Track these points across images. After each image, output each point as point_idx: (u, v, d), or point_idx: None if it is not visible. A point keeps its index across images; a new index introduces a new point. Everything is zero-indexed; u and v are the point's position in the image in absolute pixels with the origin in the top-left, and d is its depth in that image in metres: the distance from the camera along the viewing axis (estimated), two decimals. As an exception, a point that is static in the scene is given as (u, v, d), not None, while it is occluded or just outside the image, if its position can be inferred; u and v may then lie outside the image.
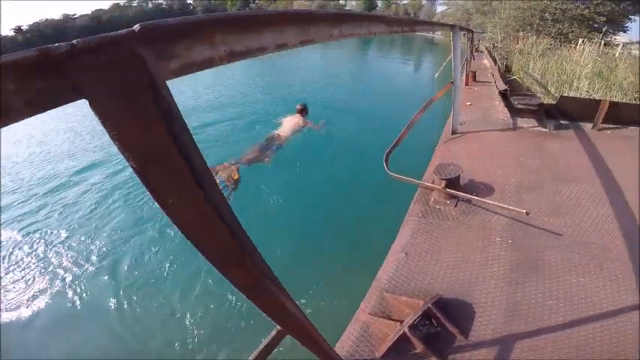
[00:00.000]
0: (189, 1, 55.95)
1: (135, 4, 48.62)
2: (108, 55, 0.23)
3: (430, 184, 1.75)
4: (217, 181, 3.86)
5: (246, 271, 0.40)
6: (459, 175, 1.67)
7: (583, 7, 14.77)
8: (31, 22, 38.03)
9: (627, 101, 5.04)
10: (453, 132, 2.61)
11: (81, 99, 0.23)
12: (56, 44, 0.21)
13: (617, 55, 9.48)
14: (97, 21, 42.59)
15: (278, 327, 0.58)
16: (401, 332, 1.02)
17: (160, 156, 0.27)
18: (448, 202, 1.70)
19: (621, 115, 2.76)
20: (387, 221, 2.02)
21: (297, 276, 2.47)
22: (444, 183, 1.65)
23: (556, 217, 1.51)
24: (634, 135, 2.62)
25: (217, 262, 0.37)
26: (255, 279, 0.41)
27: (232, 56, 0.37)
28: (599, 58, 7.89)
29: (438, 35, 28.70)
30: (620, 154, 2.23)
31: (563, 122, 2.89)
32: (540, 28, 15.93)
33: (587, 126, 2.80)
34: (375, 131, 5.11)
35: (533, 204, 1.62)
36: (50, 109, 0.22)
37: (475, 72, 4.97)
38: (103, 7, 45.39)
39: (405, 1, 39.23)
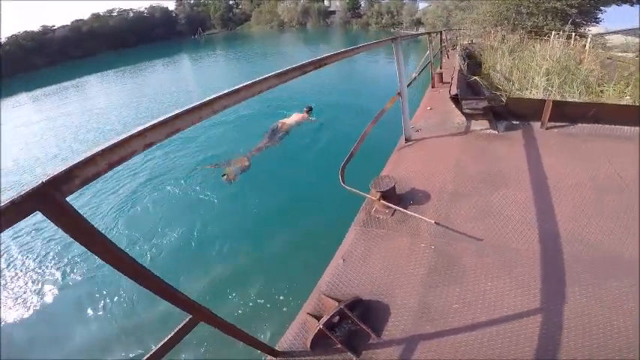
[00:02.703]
0: (171, 9, 55.47)
1: (115, 13, 47.91)
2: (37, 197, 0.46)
3: (370, 196, 1.83)
4: (233, 168, 4.74)
5: (154, 283, 0.64)
6: (393, 187, 1.76)
7: (555, -1, 15.12)
8: (9, 35, 37.21)
9: (591, 96, 5.23)
10: (407, 140, 2.70)
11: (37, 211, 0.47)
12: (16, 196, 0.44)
13: (586, 47, 9.74)
14: (77, 32, 41.86)
15: (190, 316, 0.74)
16: (317, 329, 1.13)
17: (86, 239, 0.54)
18: (386, 211, 1.79)
19: (566, 113, 2.89)
20: (343, 228, 2.12)
21: (258, 277, 2.66)
22: (379, 195, 1.74)
23: (481, 223, 1.61)
24: (579, 132, 2.75)
25: (138, 282, 0.62)
26: (165, 291, 0.67)
27: (111, 166, 0.56)
28: (571, 51, 8.12)
29: (421, 31, 29.14)
30: (563, 152, 2.34)
31: (514, 122, 3.01)
32: (516, 22, 16.29)
33: (536, 125, 2.93)
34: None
35: (463, 210, 1.72)
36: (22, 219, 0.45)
37: (442, 73, 5.09)
38: (82, 18, 44.42)
39: (386, 0, 39.49)
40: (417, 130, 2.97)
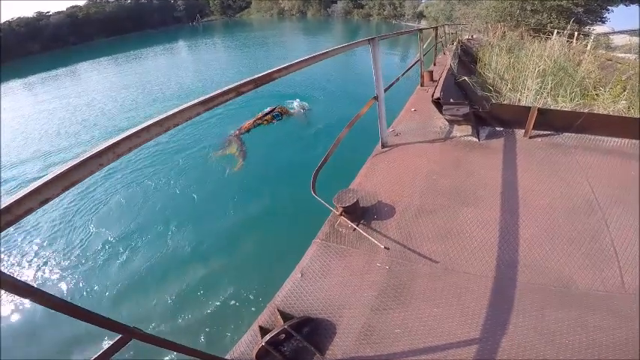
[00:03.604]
0: (169, -4, 54.06)
1: (112, 0, 46.76)
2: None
3: (333, 210, 1.78)
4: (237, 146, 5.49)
5: (74, 311, 0.65)
6: (356, 202, 1.72)
7: (561, -3, 14.79)
8: (2, 21, 36.35)
9: (586, 99, 5.13)
10: (383, 145, 2.63)
11: None
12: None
13: (588, 47, 9.53)
14: (73, 18, 40.99)
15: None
16: (260, 345, 1.13)
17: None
18: (350, 225, 1.74)
19: (552, 121, 2.83)
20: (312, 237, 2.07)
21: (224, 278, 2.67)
22: (341, 209, 1.69)
23: (440, 243, 1.56)
24: (562, 143, 2.68)
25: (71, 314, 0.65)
26: (87, 316, 0.68)
27: (8, 224, 0.55)
28: (570, 51, 7.93)
29: (424, 25, 28.70)
30: (541, 166, 2.28)
31: (498, 129, 2.94)
32: (520, 19, 15.98)
33: (520, 133, 2.86)
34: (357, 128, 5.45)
35: (425, 228, 1.67)
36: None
37: (432, 71, 4.99)
38: (78, 4, 43.38)
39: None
40: (397, 135, 2.90)
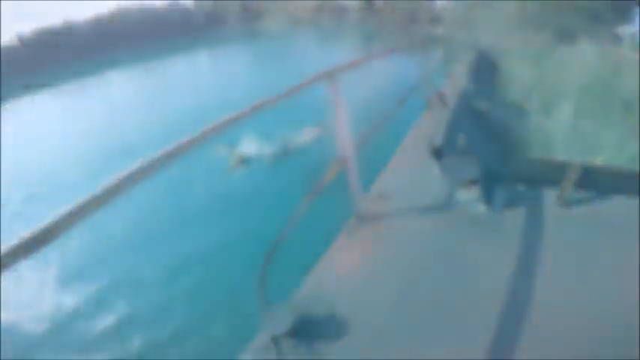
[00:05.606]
0: (189, 7, 55.83)
1: (136, 9, 48.82)
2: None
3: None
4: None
5: None
6: (292, 327, 1.20)
7: (583, -4, 13.51)
8: (33, 29, 38.35)
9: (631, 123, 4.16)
10: (358, 218, 1.93)
11: None
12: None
13: (623, 52, 8.35)
14: (99, 27, 43.12)
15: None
16: None
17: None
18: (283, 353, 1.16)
19: (598, 181, 2.03)
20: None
21: None
22: (269, 337, 1.09)
23: None
24: (614, 213, 1.87)
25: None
26: None
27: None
28: (604, 58, 6.88)
29: (439, 31, 27.64)
30: (579, 260, 1.51)
31: (520, 190, 2.17)
32: (542, 22, 14.81)
33: (550, 196, 2.07)
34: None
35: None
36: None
37: (441, 92, 4.22)
38: (104, 12, 45.56)
39: (404, -4, 37.99)
40: (381, 197, 2.18)
